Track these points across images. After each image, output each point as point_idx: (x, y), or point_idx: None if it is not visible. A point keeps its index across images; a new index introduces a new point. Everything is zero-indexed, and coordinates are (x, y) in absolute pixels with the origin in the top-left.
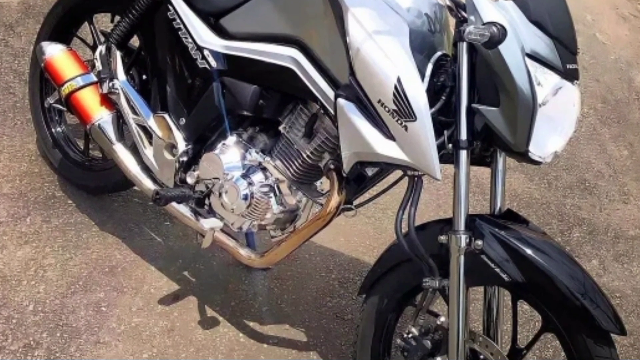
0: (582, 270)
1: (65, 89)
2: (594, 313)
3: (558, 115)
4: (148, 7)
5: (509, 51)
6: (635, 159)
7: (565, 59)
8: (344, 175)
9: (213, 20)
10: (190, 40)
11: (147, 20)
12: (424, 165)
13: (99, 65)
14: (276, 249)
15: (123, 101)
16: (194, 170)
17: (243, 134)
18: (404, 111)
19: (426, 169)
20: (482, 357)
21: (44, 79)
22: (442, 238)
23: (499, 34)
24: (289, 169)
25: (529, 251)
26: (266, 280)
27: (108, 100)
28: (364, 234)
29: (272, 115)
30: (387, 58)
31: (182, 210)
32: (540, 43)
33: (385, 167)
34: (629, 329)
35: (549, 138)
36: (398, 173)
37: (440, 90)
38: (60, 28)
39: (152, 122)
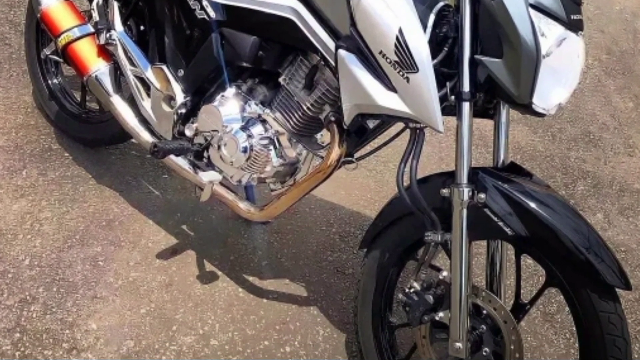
0: (586, 224)
1: (62, 40)
2: (599, 267)
3: (562, 66)
4: None
5: (513, 1)
6: None
7: (570, 10)
8: (345, 127)
9: None
10: None
11: None
12: (426, 117)
13: (96, 15)
14: (276, 202)
15: (120, 52)
16: (192, 123)
17: (242, 85)
18: (406, 62)
19: (428, 121)
20: (484, 312)
21: (40, 30)
22: (445, 191)
23: None
24: (289, 121)
25: (532, 204)
26: (266, 234)
27: (105, 52)
28: (365, 187)
29: (272, 67)
30: (388, 8)
31: (181, 163)
32: None
33: (387, 119)
34: (634, 283)
35: (552, 90)
36: (399, 125)
37: (443, 42)
38: None
39: (150, 74)
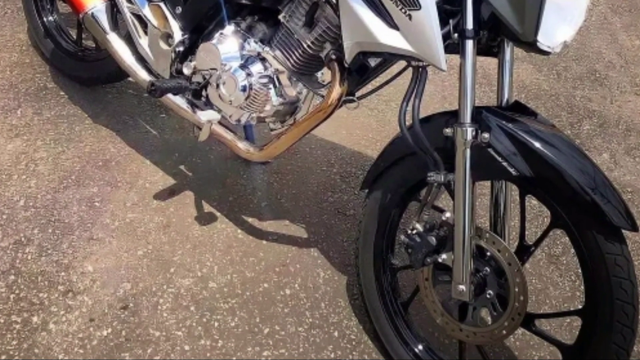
0: (592, 164)
1: None
2: (605, 208)
3: (567, 3)
4: None
5: None
6: None
7: None
8: (346, 65)
9: None
10: None
11: None
12: (429, 56)
13: None
14: (275, 142)
15: None
16: (190, 61)
17: (241, 23)
18: None
19: (431, 59)
20: (488, 253)
21: None
22: (448, 131)
23: None
24: (289, 60)
25: (537, 144)
26: (265, 175)
27: None
28: (366, 126)
29: (272, 4)
30: None
31: (179, 102)
32: None
33: (389, 57)
34: None
35: (558, 27)
36: (402, 64)
37: None
38: None
39: (147, 11)
